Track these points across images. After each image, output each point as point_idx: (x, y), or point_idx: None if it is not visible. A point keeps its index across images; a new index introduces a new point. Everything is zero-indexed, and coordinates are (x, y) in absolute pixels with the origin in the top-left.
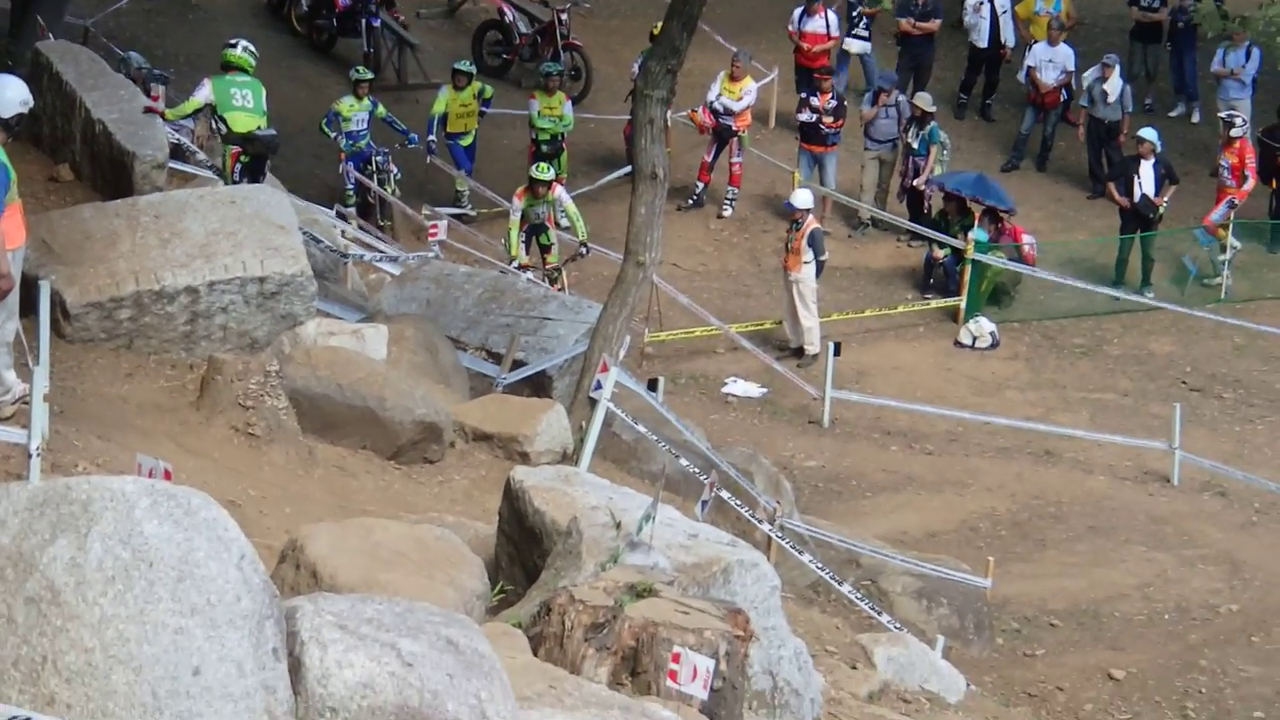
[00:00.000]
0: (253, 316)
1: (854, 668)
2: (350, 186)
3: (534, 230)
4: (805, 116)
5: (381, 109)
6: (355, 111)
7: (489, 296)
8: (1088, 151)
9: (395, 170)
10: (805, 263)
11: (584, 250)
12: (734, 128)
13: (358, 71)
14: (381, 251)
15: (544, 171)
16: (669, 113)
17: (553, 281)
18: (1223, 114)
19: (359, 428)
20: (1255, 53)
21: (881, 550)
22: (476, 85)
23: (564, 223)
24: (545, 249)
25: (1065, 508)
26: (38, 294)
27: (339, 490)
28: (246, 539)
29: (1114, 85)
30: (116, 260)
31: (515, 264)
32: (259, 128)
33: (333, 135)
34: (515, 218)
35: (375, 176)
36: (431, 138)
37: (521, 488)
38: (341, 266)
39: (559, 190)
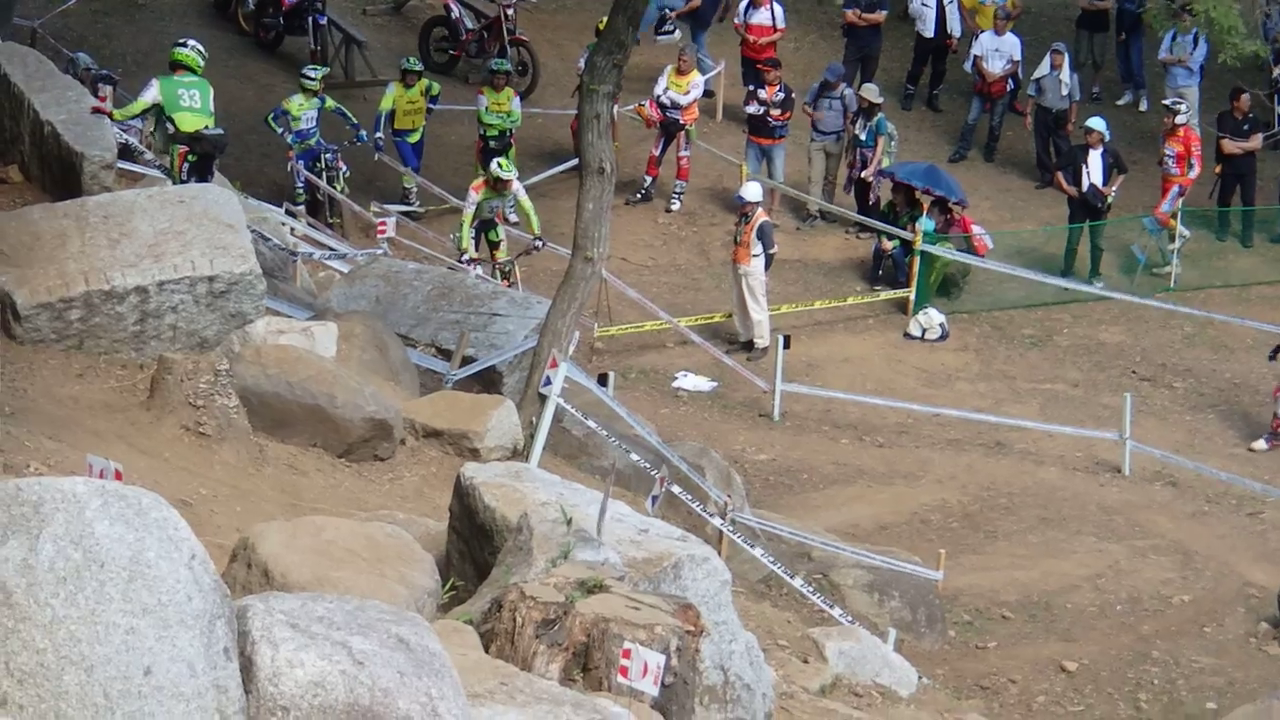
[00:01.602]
0: (202, 316)
1: (805, 662)
2: (300, 184)
3: (483, 226)
4: (753, 109)
5: (331, 102)
6: (305, 110)
7: (438, 293)
8: (1035, 141)
9: (344, 168)
10: (755, 256)
11: (539, 245)
12: (681, 121)
13: (315, 69)
14: (330, 249)
15: (507, 170)
16: (616, 107)
17: (505, 276)
18: (1166, 101)
19: (309, 426)
20: (1202, 40)
21: (833, 543)
22: (424, 82)
23: (513, 217)
24: (494, 245)
25: (1016, 499)
26: None
27: (290, 488)
28: (197, 539)
29: (1065, 74)
30: (66, 261)
31: (466, 257)
32: (206, 127)
33: (279, 131)
34: (470, 211)
35: (324, 174)
36: (379, 135)
37: (472, 484)
38: (290, 265)
39: (515, 185)
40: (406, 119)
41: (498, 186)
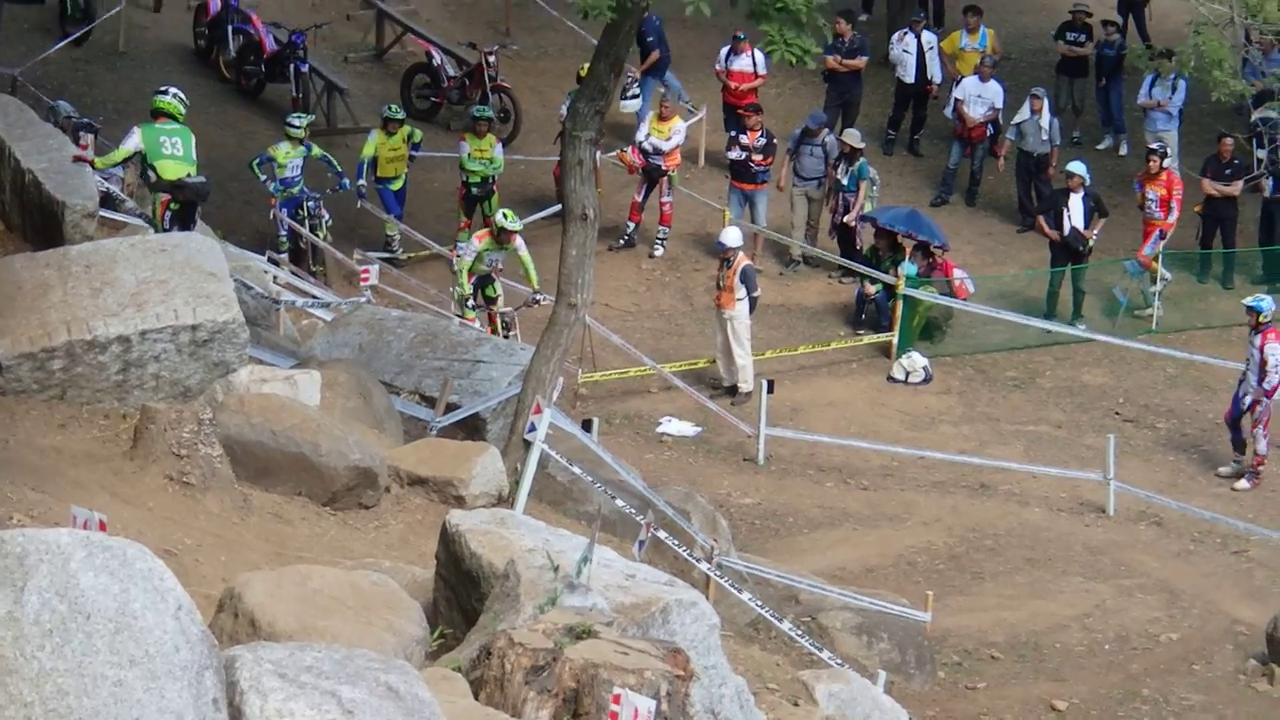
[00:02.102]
0: (185, 365)
1: (796, 705)
2: (283, 232)
3: (481, 282)
4: (735, 154)
5: (317, 150)
6: (291, 158)
7: (421, 340)
8: (1017, 185)
9: (327, 216)
10: (739, 300)
11: (538, 299)
12: (664, 167)
13: (300, 117)
14: (314, 297)
15: (512, 220)
16: (598, 153)
17: (506, 328)
18: (1153, 146)
19: (294, 474)
20: (1181, 84)
21: (820, 586)
22: (406, 129)
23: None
24: (491, 301)
25: (1002, 540)
26: None
27: (275, 537)
28: (183, 589)
29: (1045, 119)
30: (48, 310)
31: (470, 302)
32: (189, 175)
33: (262, 179)
34: (469, 260)
35: (307, 222)
36: (361, 182)
37: (458, 531)
38: (274, 313)
39: (518, 240)
40: (389, 166)
41: (501, 238)
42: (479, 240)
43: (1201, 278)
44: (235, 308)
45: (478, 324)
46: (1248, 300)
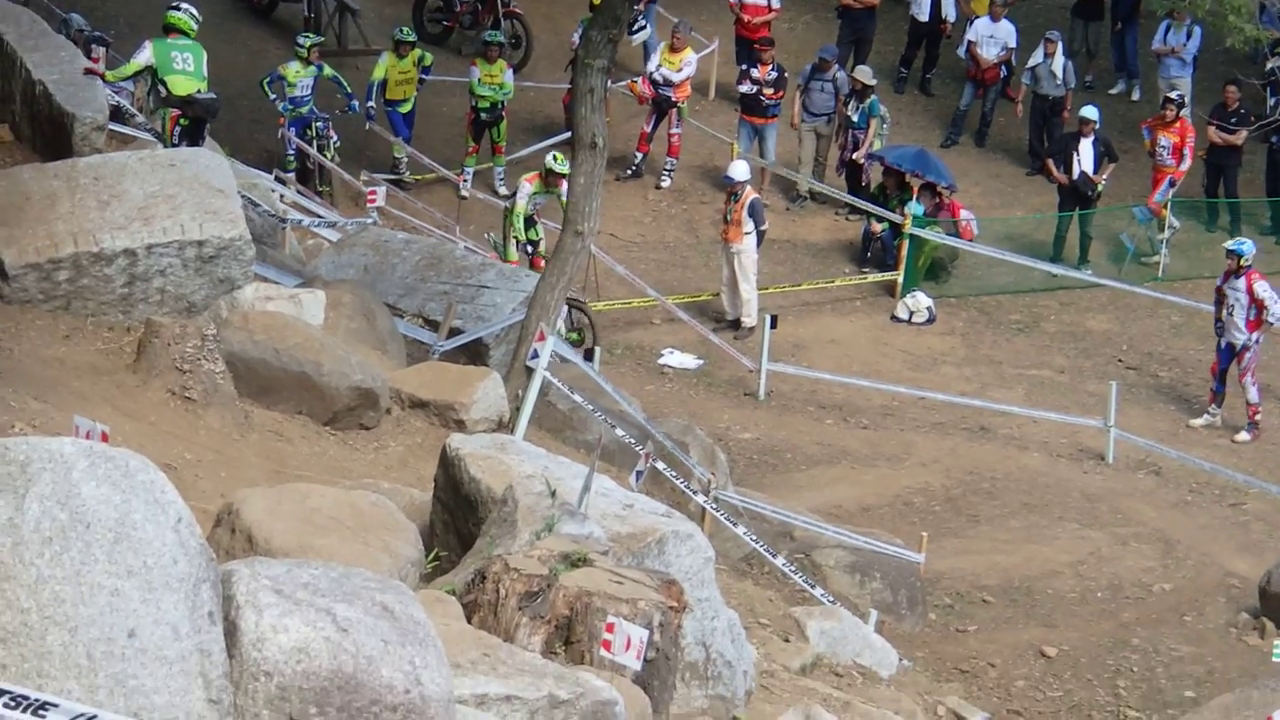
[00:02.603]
0: (190, 280)
1: (786, 640)
2: (290, 152)
3: (524, 224)
4: (746, 88)
5: (329, 70)
6: (301, 78)
7: (426, 264)
8: (1029, 129)
9: (335, 137)
10: (746, 233)
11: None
12: (673, 99)
13: (307, 37)
14: (320, 217)
15: (561, 163)
16: (609, 82)
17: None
18: (1170, 93)
19: (295, 393)
20: (1196, 31)
21: (815, 523)
22: (417, 53)
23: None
24: (534, 244)
25: (999, 484)
26: None
27: (274, 455)
28: (183, 502)
29: (1059, 62)
30: (55, 222)
31: (523, 246)
32: (199, 91)
33: (272, 97)
34: (523, 203)
35: (315, 143)
36: (371, 104)
37: (457, 455)
38: (280, 232)
39: (564, 184)
40: (399, 89)
41: (550, 181)
42: (529, 183)
43: (1209, 226)
44: (242, 225)
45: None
46: (1229, 243)
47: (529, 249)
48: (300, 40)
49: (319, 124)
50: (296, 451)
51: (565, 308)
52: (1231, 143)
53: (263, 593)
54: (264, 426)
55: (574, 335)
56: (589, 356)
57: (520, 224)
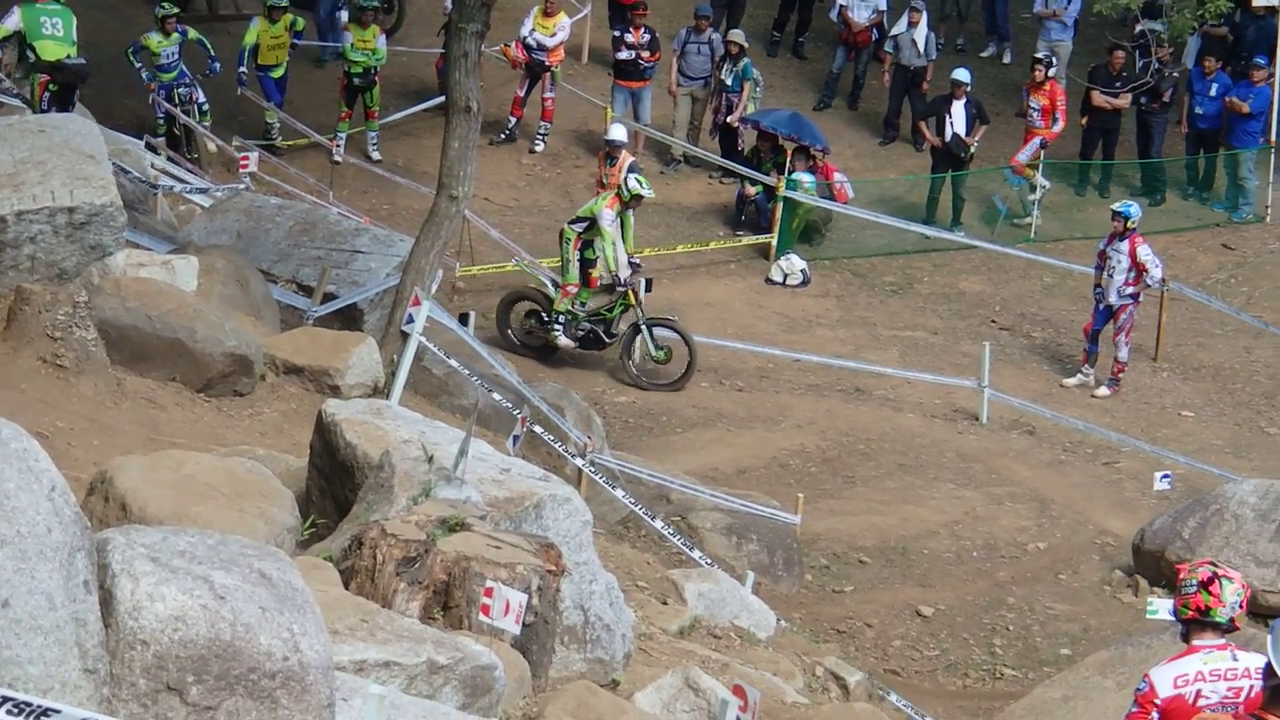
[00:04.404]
0: (61, 247)
1: (665, 603)
2: (160, 116)
3: (583, 245)
4: (625, 55)
5: (194, 33)
6: (164, 47)
7: (300, 229)
8: (890, 99)
9: (202, 100)
10: None
11: (636, 261)
12: (547, 63)
13: (162, 8)
14: (191, 183)
15: (647, 186)
16: (482, 46)
17: (633, 300)
18: (1039, 54)
19: (169, 359)
20: None
21: (692, 486)
22: (289, 18)
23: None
24: (590, 264)
25: (875, 445)
26: None
27: (148, 422)
28: (57, 471)
29: (921, 32)
30: None
31: (623, 272)
32: (68, 56)
33: (137, 66)
34: (611, 228)
35: (181, 107)
36: (242, 69)
37: (333, 421)
38: (151, 198)
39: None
40: (270, 54)
41: (631, 203)
42: (610, 209)
43: (1080, 188)
44: (113, 191)
45: (574, 289)
46: (1116, 205)
47: (585, 268)
48: (155, 11)
49: (181, 89)
50: (171, 418)
51: (644, 325)
52: (1117, 106)
53: (138, 561)
54: (137, 394)
55: (660, 354)
56: (464, 321)
57: (610, 249)
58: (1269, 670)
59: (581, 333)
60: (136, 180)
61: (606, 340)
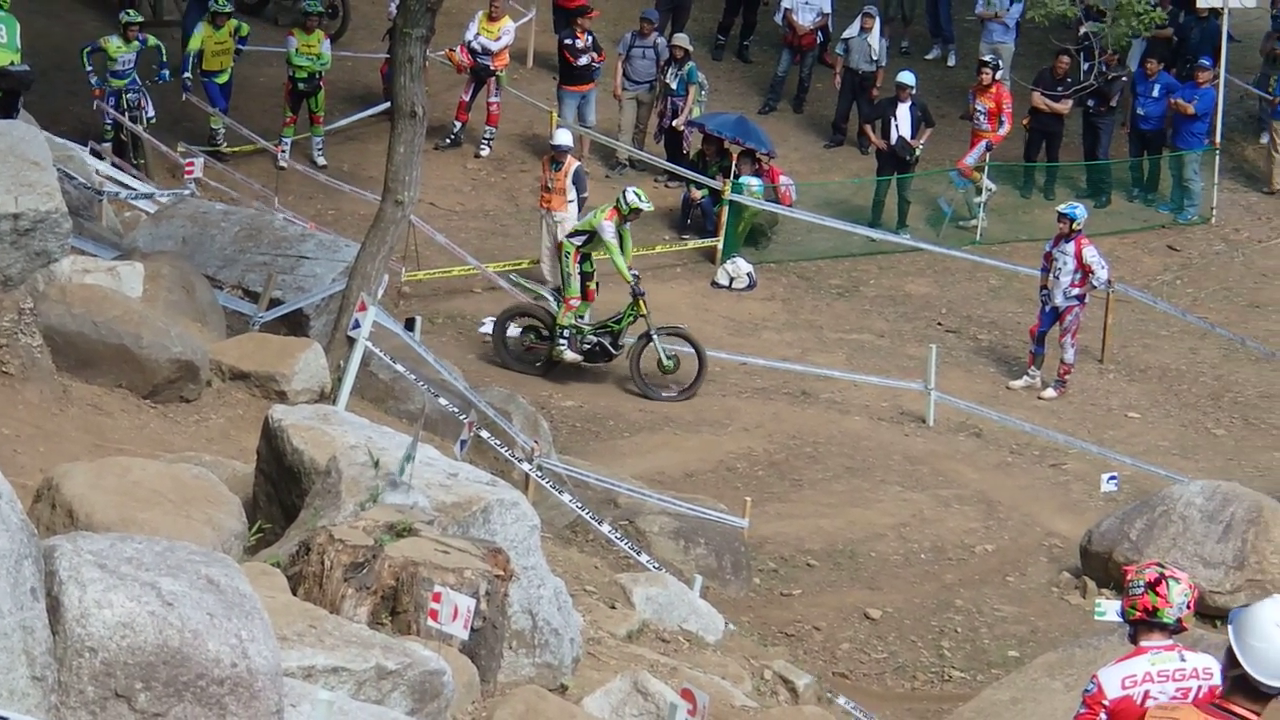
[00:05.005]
0: (6, 254)
1: (613, 607)
2: (108, 122)
3: (581, 257)
4: (584, 60)
5: (153, 40)
6: (122, 53)
7: (245, 235)
8: (839, 102)
9: (150, 109)
10: (570, 201)
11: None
12: (492, 67)
13: (127, 14)
14: (136, 189)
15: (645, 200)
16: (427, 51)
17: (639, 311)
18: (984, 57)
19: (115, 366)
20: None
21: (639, 490)
22: (233, 23)
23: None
24: (588, 276)
25: (822, 448)
26: None
27: (94, 429)
28: (3, 478)
29: (875, 38)
30: None
31: (635, 284)
32: (12, 63)
33: (89, 69)
34: (614, 240)
35: (129, 114)
36: (187, 75)
37: (280, 426)
38: (97, 204)
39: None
40: (215, 60)
41: (629, 216)
42: (609, 221)
43: (1025, 190)
44: (58, 197)
45: (576, 302)
46: (1061, 207)
47: (584, 280)
48: (120, 17)
49: (130, 95)
50: (117, 425)
51: (654, 335)
52: (1058, 111)
53: (86, 568)
54: (83, 400)
55: (670, 363)
56: (410, 326)
57: (618, 257)
58: (1230, 659)
59: (588, 346)
60: (82, 186)
61: (614, 352)
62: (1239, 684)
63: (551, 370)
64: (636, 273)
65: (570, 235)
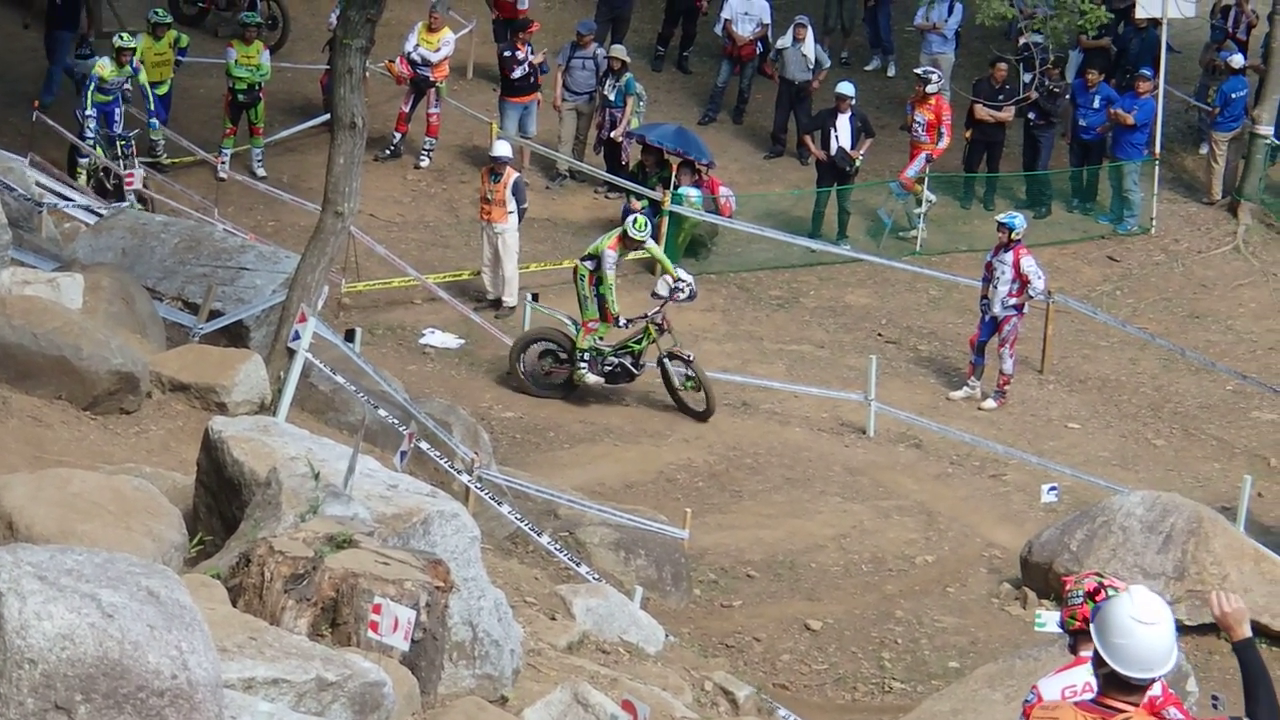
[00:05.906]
0: None
1: (553, 619)
2: (91, 136)
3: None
4: (521, 71)
5: (144, 76)
6: (116, 76)
7: (185, 246)
8: (776, 113)
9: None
10: (510, 213)
11: (680, 287)
12: (431, 78)
13: (120, 39)
14: (74, 200)
15: (642, 229)
16: (367, 62)
17: (660, 330)
18: (920, 70)
19: (54, 377)
20: (958, 7)
21: (579, 501)
22: (173, 34)
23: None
24: (603, 297)
25: (762, 459)
26: None
27: (34, 441)
28: None
29: (809, 46)
30: None
31: (624, 321)
32: None
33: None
34: (612, 272)
35: (121, 161)
36: (127, 86)
37: (220, 438)
38: (36, 215)
39: (650, 242)
40: (154, 71)
41: (629, 244)
42: (612, 250)
43: (965, 201)
44: None
45: (595, 325)
46: (1001, 217)
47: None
48: (114, 41)
49: (123, 144)
50: (57, 436)
51: (665, 359)
52: (1000, 119)
53: (25, 579)
54: (23, 412)
55: (690, 383)
56: (349, 337)
57: (612, 294)
58: (1098, 659)
59: (609, 368)
60: (21, 198)
61: (635, 372)
62: (1111, 680)
63: (572, 393)
64: (678, 285)
65: (583, 259)
